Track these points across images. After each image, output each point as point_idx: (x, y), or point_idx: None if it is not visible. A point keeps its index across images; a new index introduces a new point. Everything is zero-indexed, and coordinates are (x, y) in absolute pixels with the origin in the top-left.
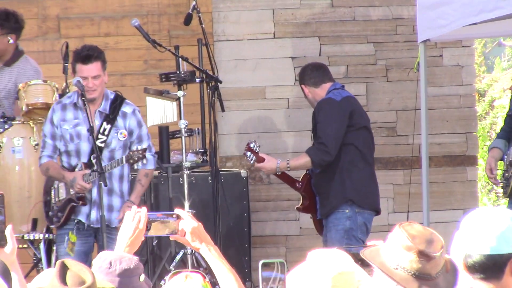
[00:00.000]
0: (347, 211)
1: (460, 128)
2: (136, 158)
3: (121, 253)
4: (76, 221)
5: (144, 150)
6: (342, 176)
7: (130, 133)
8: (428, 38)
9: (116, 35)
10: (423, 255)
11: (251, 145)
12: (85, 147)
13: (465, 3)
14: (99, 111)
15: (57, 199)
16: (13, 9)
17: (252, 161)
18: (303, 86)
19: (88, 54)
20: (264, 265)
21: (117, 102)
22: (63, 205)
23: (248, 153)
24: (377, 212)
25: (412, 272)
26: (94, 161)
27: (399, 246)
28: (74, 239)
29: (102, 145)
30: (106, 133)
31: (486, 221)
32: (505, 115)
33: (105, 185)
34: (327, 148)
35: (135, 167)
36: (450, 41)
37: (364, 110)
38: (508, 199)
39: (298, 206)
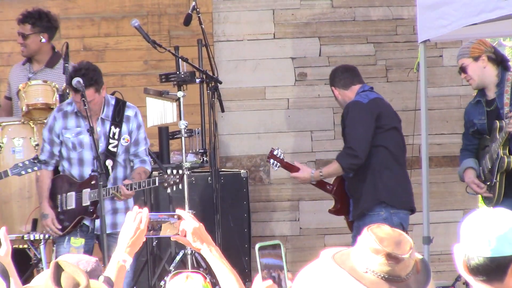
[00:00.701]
0: (382, 213)
1: (460, 129)
2: (172, 182)
3: (79, 255)
4: (79, 225)
5: (182, 176)
6: (374, 178)
7: (130, 135)
8: (428, 38)
9: (116, 36)
10: (392, 258)
11: (275, 152)
12: (88, 155)
13: (465, 3)
14: (101, 118)
15: (64, 208)
16: (47, 9)
17: (276, 168)
18: (333, 88)
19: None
20: (261, 248)
21: (120, 105)
22: (71, 215)
23: (272, 160)
24: (412, 211)
25: (382, 275)
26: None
27: (367, 249)
28: (79, 243)
29: (115, 149)
30: (116, 137)
31: (487, 222)
32: (465, 132)
33: (104, 186)
34: (355, 152)
35: (168, 190)
36: (450, 41)
37: (394, 110)
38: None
39: (330, 208)
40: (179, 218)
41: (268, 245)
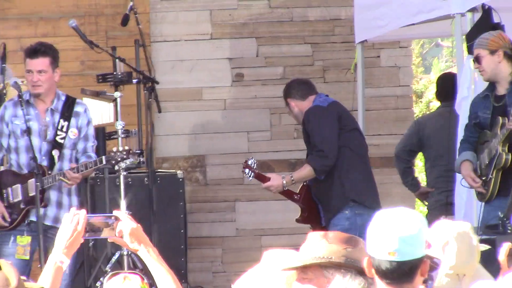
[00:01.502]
0: (346, 212)
1: (397, 129)
2: (119, 159)
3: None
4: (27, 222)
5: (128, 151)
6: (341, 179)
7: (79, 131)
8: (366, 38)
9: (54, 36)
10: None
11: (249, 162)
12: (36, 142)
13: (402, 3)
14: (50, 109)
15: (11, 201)
16: None
17: (250, 178)
18: (289, 99)
19: (35, 49)
20: None
21: (70, 101)
22: (19, 207)
23: (247, 170)
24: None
25: None
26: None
27: None
28: (25, 241)
29: (63, 141)
30: (64, 129)
31: (392, 224)
32: (468, 124)
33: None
34: (325, 153)
35: (116, 167)
36: (387, 41)
37: (350, 113)
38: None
39: (297, 218)
40: (117, 219)
41: None
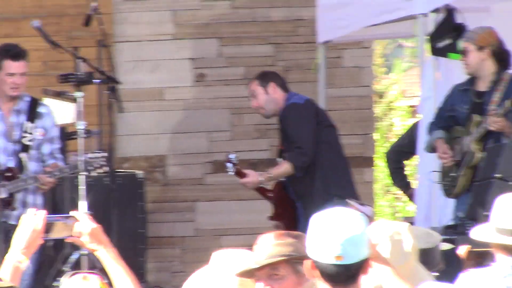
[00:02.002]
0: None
1: (358, 130)
2: (98, 166)
3: None
4: None
5: (108, 157)
6: (323, 174)
7: (46, 132)
8: (328, 39)
9: (16, 36)
10: None
11: (231, 156)
12: (1, 143)
13: (365, 4)
14: (15, 109)
15: None
16: None
17: (232, 173)
18: (272, 83)
19: (19, 51)
20: None
21: (33, 102)
22: None
23: (229, 165)
24: None
25: None
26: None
27: None
28: None
29: (30, 143)
30: (30, 131)
31: (337, 226)
32: (441, 113)
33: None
34: (304, 150)
35: (93, 174)
36: (350, 42)
37: (324, 110)
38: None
39: (270, 215)
40: (75, 219)
41: None
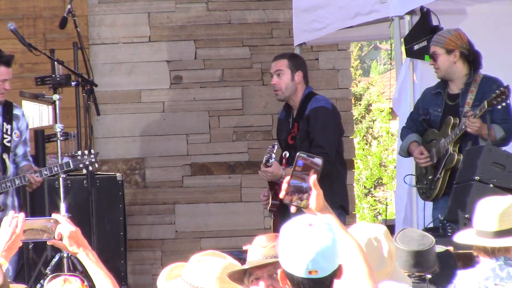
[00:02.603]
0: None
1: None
2: (88, 163)
3: None
4: None
5: (96, 154)
6: (332, 183)
7: (21, 134)
8: (304, 41)
9: None
10: None
11: (275, 148)
12: None
13: (341, 6)
14: None
15: None
16: None
17: (272, 159)
18: (300, 71)
19: (9, 58)
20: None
21: (8, 105)
22: None
23: (271, 154)
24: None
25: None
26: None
27: None
28: None
29: (9, 144)
30: (9, 132)
31: (308, 240)
32: (414, 117)
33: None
34: (330, 158)
35: (84, 171)
36: (325, 44)
37: None
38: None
39: (270, 207)
40: (56, 222)
41: None
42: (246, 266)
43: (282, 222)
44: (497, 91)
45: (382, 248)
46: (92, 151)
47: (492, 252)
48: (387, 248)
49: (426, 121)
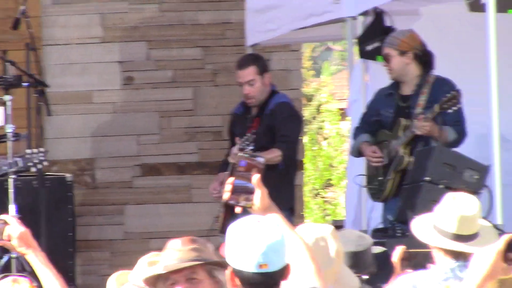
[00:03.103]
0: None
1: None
2: (37, 161)
3: None
4: None
5: (45, 152)
6: (286, 184)
7: None
8: (257, 42)
9: None
10: None
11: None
12: None
13: (294, 7)
14: None
15: None
16: None
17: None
18: (267, 74)
19: None
20: None
21: None
22: None
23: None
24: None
25: None
26: None
27: None
28: None
29: None
30: None
31: (258, 234)
32: (366, 119)
33: None
34: (294, 146)
35: (33, 169)
36: (278, 45)
37: None
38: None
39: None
40: (5, 223)
41: None
42: (163, 271)
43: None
44: (448, 95)
45: (329, 248)
46: (42, 149)
47: (451, 253)
48: (335, 248)
49: (377, 122)
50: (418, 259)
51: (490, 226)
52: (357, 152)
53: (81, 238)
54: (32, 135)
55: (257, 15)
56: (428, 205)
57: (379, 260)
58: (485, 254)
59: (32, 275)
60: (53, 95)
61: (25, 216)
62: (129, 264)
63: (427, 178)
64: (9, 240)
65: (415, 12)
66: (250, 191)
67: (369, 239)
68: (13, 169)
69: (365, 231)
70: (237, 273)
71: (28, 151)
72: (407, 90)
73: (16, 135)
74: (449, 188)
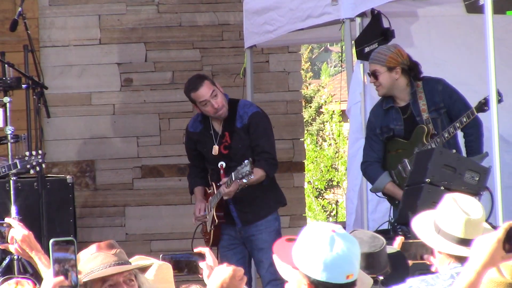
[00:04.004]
0: (275, 214)
1: (287, 134)
2: (35, 163)
3: None
4: None
5: (44, 154)
6: (275, 183)
7: None
8: (255, 43)
9: None
10: None
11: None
12: None
13: (291, 8)
14: None
15: None
16: None
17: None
18: (216, 83)
19: None
20: (55, 243)
21: None
22: None
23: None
24: None
25: None
26: None
27: None
28: None
29: None
30: None
31: (341, 246)
32: (371, 143)
33: None
34: (275, 160)
35: (31, 172)
36: (276, 46)
37: None
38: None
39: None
40: (9, 226)
41: (62, 241)
42: (102, 274)
43: (223, 233)
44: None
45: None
46: (40, 151)
47: (456, 257)
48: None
49: (389, 138)
50: (413, 249)
51: (492, 229)
52: (381, 192)
53: (82, 240)
54: (32, 137)
55: (255, 17)
56: (428, 207)
57: (393, 260)
58: (485, 242)
59: (35, 276)
60: (52, 97)
61: (26, 218)
62: None
63: (427, 180)
64: (13, 243)
65: (413, 14)
66: None
67: (382, 239)
68: (11, 171)
69: None
70: (320, 285)
71: (27, 153)
72: (400, 102)
73: (16, 137)
74: (450, 190)
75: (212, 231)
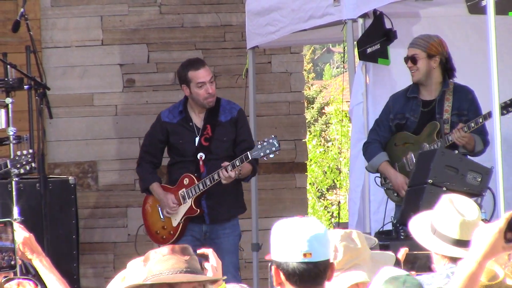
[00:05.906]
0: (237, 218)
1: (289, 135)
2: (24, 162)
3: None
4: None
5: (33, 153)
6: (241, 185)
7: None
8: (257, 44)
9: None
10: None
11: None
12: None
13: (294, 9)
14: None
15: None
16: None
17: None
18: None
19: None
20: None
21: None
22: None
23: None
24: None
25: None
26: None
27: None
28: None
29: None
30: None
31: (302, 226)
32: (383, 122)
33: None
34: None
35: (22, 171)
36: (278, 47)
37: None
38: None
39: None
40: (11, 227)
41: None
42: (171, 280)
43: (187, 234)
44: (483, 116)
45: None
46: (31, 150)
47: (451, 258)
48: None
49: (398, 126)
50: (422, 261)
51: None
52: (375, 170)
53: (84, 240)
54: (34, 137)
55: (257, 17)
56: (430, 208)
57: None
58: (486, 232)
59: (36, 278)
60: (54, 97)
61: (28, 219)
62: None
63: (430, 181)
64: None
65: (415, 15)
66: None
67: (374, 240)
68: (2, 171)
69: (368, 234)
70: (281, 267)
71: (18, 152)
72: (426, 95)
73: (18, 138)
74: (452, 191)
75: (181, 224)
